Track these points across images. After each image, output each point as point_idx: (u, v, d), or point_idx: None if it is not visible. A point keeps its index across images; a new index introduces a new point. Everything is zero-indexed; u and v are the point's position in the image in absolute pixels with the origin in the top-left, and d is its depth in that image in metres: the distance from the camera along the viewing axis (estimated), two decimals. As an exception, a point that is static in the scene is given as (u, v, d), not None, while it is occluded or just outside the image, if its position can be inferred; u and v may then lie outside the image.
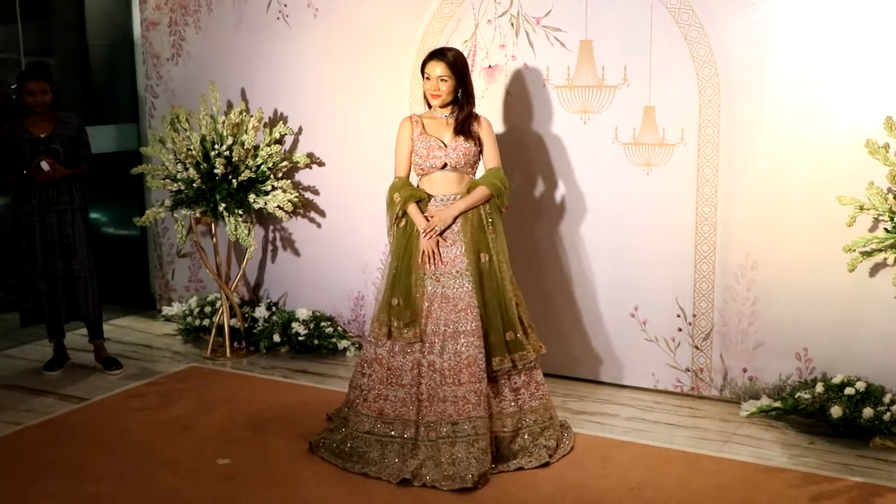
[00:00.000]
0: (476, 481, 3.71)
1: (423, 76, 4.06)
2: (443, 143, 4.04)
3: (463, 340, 3.94)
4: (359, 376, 4.18)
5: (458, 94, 4.06)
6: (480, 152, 4.11)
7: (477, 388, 3.91)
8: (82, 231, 5.17)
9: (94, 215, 6.47)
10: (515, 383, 4.04)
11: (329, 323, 5.59)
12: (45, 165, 4.95)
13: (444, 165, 4.03)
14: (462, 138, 4.04)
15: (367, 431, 3.99)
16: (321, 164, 5.58)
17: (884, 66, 4.05)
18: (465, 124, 4.05)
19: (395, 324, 4.02)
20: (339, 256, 5.60)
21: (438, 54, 4.02)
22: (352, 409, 4.14)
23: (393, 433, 3.96)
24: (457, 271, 4.00)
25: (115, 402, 4.78)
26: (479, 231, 4.03)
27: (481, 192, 4.02)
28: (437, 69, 3.99)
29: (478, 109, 4.17)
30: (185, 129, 5.46)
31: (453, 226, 4.03)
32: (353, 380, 4.22)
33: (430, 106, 4.12)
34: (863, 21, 4.07)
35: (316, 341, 5.51)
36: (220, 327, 5.60)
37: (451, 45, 4.79)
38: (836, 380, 4.19)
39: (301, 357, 5.52)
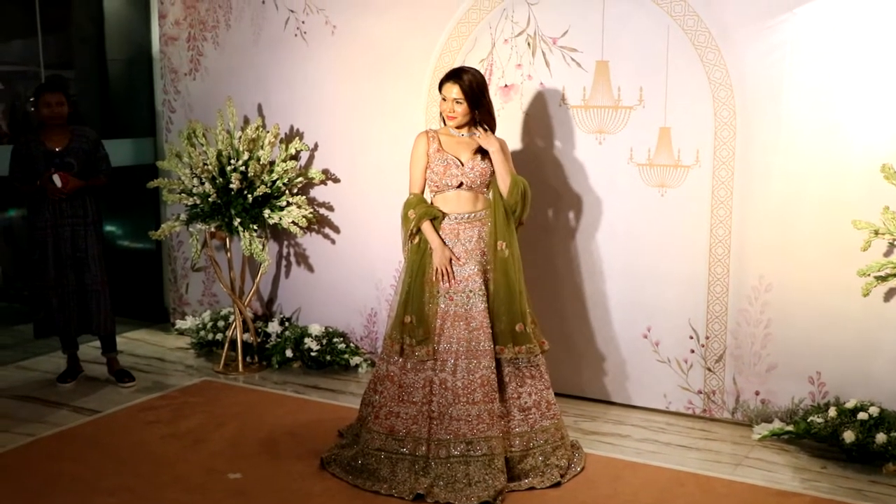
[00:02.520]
0: (493, 498, 3.71)
1: (440, 94, 4.08)
2: (460, 161, 4.05)
3: (476, 360, 3.94)
4: (371, 393, 4.18)
5: (476, 115, 4.07)
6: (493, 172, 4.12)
7: (490, 407, 3.91)
8: (95, 245, 5.19)
9: (109, 228, 6.51)
10: (525, 403, 4.03)
11: (342, 339, 5.59)
12: (56, 180, 4.97)
13: (461, 184, 4.05)
14: (479, 157, 4.06)
15: (377, 448, 3.99)
16: (336, 180, 5.61)
17: (900, 91, 4.05)
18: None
19: (408, 341, 4.02)
20: (352, 272, 5.61)
21: (455, 76, 4.02)
22: (363, 426, 4.14)
23: (404, 450, 3.95)
24: (469, 290, 4.00)
25: (127, 415, 4.79)
26: (493, 249, 4.04)
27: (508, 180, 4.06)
28: (453, 91, 4.00)
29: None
30: (202, 144, 5.49)
31: (467, 244, 4.04)
32: (366, 396, 4.23)
33: (445, 123, 4.14)
34: (880, 46, 4.07)
35: (328, 357, 5.51)
36: (233, 342, 5.62)
37: (467, 63, 4.80)
38: (850, 404, 4.16)
39: (313, 373, 5.53)
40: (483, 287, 4.01)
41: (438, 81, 4.10)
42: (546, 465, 3.98)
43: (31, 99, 5.14)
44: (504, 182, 4.06)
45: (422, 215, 4.05)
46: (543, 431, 4.03)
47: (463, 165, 4.04)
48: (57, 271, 5.11)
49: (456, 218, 4.06)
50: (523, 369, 4.04)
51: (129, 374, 5.31)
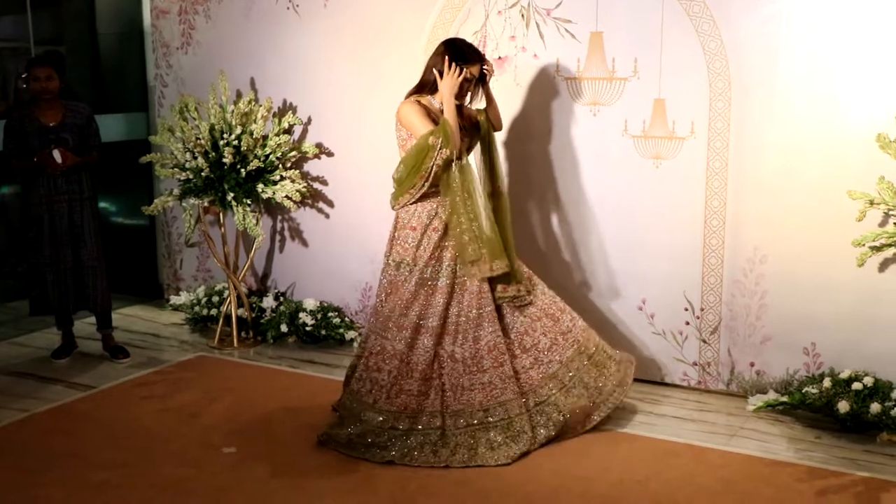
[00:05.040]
0: (516, 459, 3.83)
1: (459, 66, 4.02)
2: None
3: (480, 327, 4.01)
4: (373, 371, 4.11)
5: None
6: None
7: (501, 371, 3.97)
8: (91, 221, 5.17)
9: (102, 204, 6.48)
10: (543, 344, 4.11)
11: (336, 313, 5.59)
12: (57, 155, 4.94)
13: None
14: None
15: (390, 427, 3.96)
16: (330, 154, 5.58)
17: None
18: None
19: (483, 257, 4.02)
20: (346, 247, 5.60)
21: (483, 57, 4.16)
22: (363, 403, 4.09)
23: (418, 426, 3.95)
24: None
25: (122, 391, 4.79)
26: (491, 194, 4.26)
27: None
28: (475, 71, 4.08)
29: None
30: (194, 119, 5.46)
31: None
32: (365, 373, 4.16)
33: (431, 93, 4.13)
34: (875, 15, 4.04)
35: (323, 332, 5.51)
36: (228, 317, 5.61)
37: (460, 35, 4.78)
38: (844, 375, 4.17)
39: (308, 347, 5.53)
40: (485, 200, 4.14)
41: (454, 48, 4.09)
42: (598, 389, 4.12)
43: (24, 75, 5.09)
44: (498, 116, 4.30)
45: (443, 125, 3.98)
46: (570, 362, 4.11)
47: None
48: (53, 248, 5.09)
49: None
50: (528, 308, 4.13)
51: (123, 350, 5.31)
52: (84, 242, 5.14)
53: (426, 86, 4.15)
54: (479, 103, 4.27)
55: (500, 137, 4.67)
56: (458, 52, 4.07)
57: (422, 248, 4.07)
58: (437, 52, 4.11)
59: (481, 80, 4.17)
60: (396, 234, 4.18)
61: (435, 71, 4.07)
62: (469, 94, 4.18)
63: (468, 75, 4.06)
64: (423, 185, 4.03)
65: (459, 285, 4.06)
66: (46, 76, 5.00)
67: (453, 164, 4.00)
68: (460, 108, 4.15)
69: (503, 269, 4.02)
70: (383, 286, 4.24)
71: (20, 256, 5.71)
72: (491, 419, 3.93)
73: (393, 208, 4.19)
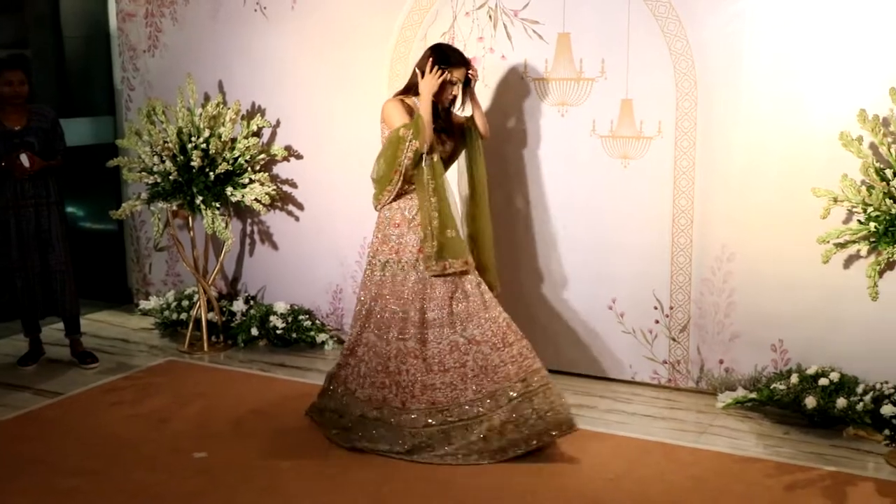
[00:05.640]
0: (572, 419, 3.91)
1: (440, 70, 4.03)
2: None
3: (491, 310, 4.04)
4: (395, 375, 4.05)
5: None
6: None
7: (523, 343, 4.02)
8: (59, 225, 5.13)
9: (69, 209, 6.42)
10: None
11: (307, 316, 5.57)
12: (24, 160, 4.90)
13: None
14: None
15: (425, 426, 3.94)
16: (299, 156, 5.57)
17: (858, 59, 4.07)
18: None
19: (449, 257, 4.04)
20: (317, 250, 5.58)
21: (467, 62, 4.18)
22: (392, 410, 4.03)
23: (452, 419, 3.94)
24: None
25: (90, 397, 4.75)
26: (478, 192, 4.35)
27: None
28: (458, 74, 4.11)
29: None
30: (162, 122, 5.42)
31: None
32: (384, 378, 4.09)
33: (416, 95, 4.12)
34: (838, 14, 4.09)
35: (294, 335, 5.49)
36: (198, 321, 5.57)
37: (429, 37, 4.83)
38: (811, 371, 4.22)
39: (279, 350, 5.51)
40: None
41: (439, 52, 4.09)
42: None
43: None
44: (484, 122, 4.33)
45: (416, 119, 4.01)
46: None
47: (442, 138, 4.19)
48: (20, 252, 5.04)
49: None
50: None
51: (92, 356, 5.26)
52: (52, 247, 5.09)
53: (412, 88, 4.17)
54: (467, 110, 4.28)
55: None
56: (443, 55, 4.09)
57: (409, 243, 4.08)
58: (423, 56, 4.13)
59: (466, 85, 4.18)
60: (381, 235, 4.17)
61: (417, 71, 4.10)
62: (454, 97, 4.16)
63: (452, 78, 4.07)
64: (399, 181, 4.05)
65: (457, 275, 4.07)
66: (20, 81, 4.95)
67: (423, 160, 4.01)
68: (448, 113, 4.21)
69: (460, 267, 4.04)
70: (369, 289, 4.19)
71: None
72: (531, 387, 3.90)
73: (376, 209, 4.19)
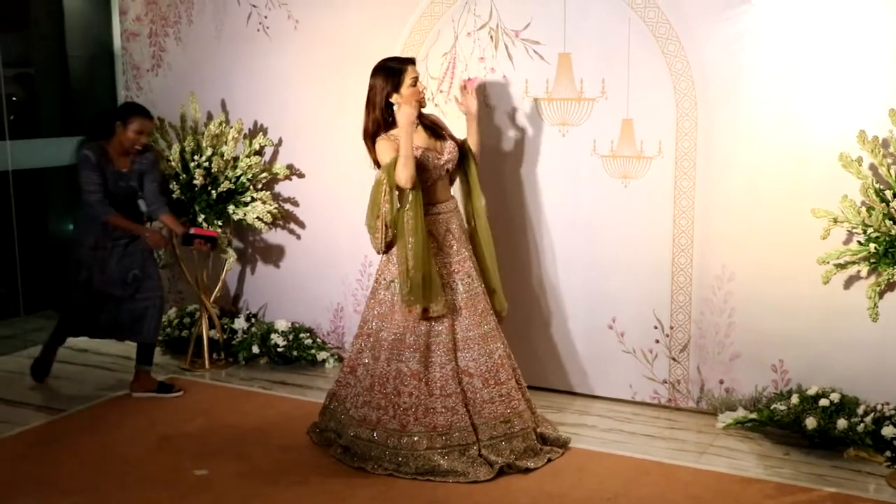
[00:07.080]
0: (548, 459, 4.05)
1: (403, 82, 4.05)
2: (437, 151, 4.17)
3: (491, 341, 4.10)
4: (393, 396, 4.05)
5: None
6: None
7: (513, 383, 4.09)
8: (149, 262, 5.01)
9: (71, 226, 6.43)
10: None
11: (308, 334, 5.58)
12: (199, 248, 5.14)
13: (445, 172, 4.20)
14: (438, 141, 4.22)
15: (427, 448, 3.95)
16: (301, 175, 5.59)
17: (858, 81, 4.09)
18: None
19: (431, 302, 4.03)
20: (318, 268, 5.60)
21: (412, 60, 4.17)
22: (389, 431, 4.03)
23: (451, 443, 3.97)
24: (467, 274, 4.13)
25: (92, 414, 4.76)
26: (477, 213, 4.33)
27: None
28: (414, 72, 4.12)
29: (461, 122, 4.31)
30: (165, 141, 5.45)
31: (455, 230, 4.17)
32: (380, 400, 4.07)
33: (389, 117, 4.11)
34: (837, 36, 4.11)
35: (295, 353, 5.50)
36: (199, 338, 5.58)
37: (430, 57, 4.87)
38: (811, 391, 4.22)
39: (280, 368, 5.52)
40: (472, 267, 4.18)
41: (386, 71, 4.09)
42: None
43: (118, 119, 4.85)
44: (476, 141, 4.38)
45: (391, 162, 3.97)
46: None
47: (441, 153, 4.17)
48: (102, 280, 4.92)
49: (444, 207, 4.18)
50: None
51: (174, 386, 5.10)
52: (141, 284, 4.97)
53: (383, 123, 4.11)
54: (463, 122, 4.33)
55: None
56: (391, 71, 4.07)
57: None
58: (373, 86, 4.10)
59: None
60: (388, 256, 4.16)
61: (395, 107, 4.08)
62: (423, 95, 4.15)
63: (415, 85, 4.07)
64: (383, 227, 4.03)
65: (467, 303, 4.09)
66: (148, 132, 4.90)
67: (404, 201, 3.97)
68: (436, 128, 4.21)
69: (441, 311, 4.02)
70: (372, 307, 4.20)
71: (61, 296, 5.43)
72: (513, 429, 4.02)
73: (378, 253, 4.20)
